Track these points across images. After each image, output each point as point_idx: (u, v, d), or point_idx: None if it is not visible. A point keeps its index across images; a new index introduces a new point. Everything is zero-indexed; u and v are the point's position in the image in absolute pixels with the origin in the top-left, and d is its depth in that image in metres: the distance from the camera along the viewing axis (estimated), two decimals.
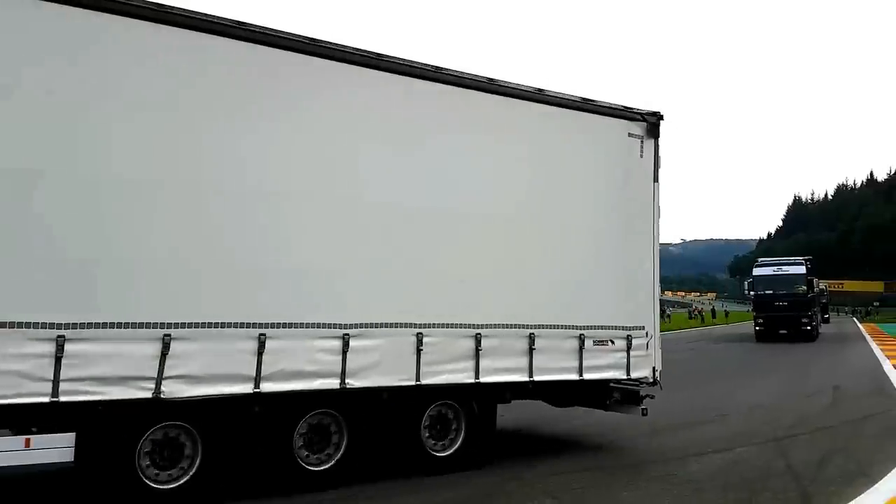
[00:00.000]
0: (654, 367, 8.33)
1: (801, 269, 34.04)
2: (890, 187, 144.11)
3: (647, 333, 8.33)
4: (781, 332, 32.30)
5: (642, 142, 8.49)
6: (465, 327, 7.09)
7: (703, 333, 44.04)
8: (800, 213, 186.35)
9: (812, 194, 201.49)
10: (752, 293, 34.84)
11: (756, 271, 35.80)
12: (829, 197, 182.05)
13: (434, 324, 6.90)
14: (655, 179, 8.60)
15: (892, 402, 12.21)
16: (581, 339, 7.82)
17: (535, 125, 7.88)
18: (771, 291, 33.20)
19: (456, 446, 7.30)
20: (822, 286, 43.64)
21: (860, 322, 61.98)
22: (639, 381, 8.30)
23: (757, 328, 33.79)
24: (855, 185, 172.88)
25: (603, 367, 7.99)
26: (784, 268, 34.82)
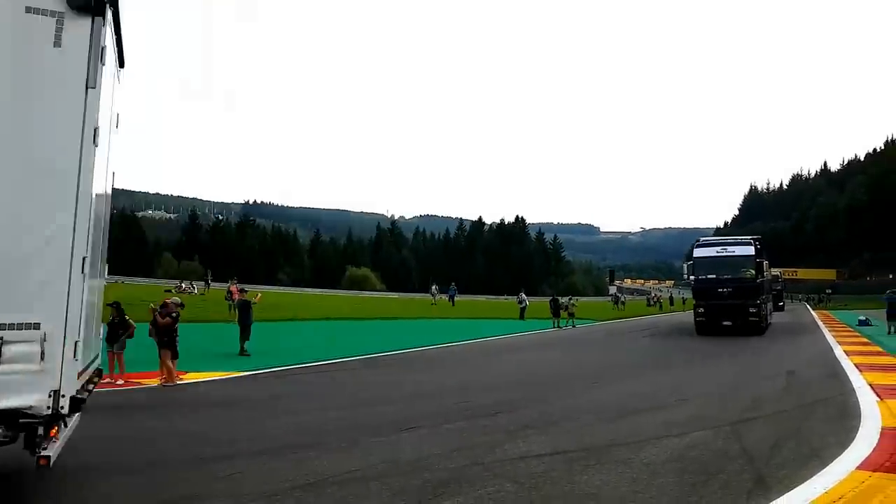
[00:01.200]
0: (55, 391, 5.08)
1: (749, 250, 28.54)
2: (843, 177, 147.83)
3: (44, 335, 5.04)
4: (725, 323, 27.78)
5: (60, 22, 5.24)
6: None
7: (662, 320, 44.81)
8: (756, 202, 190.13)
9: (768, 184, 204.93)
10: (691, 277, 28.98)
11: (697, 252, 29.18)
12: (785, 187, 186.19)
13: None
14: (92, 85, 5.34)
15: (843, 387, 12.49)
16: None
17: None
18: (714, 276, 27.95)
19: None
20: (776, 272, 43.11)
21: (813, 309, 63.79)
22: (24, 412, 5.01)
23: (697, 319, 28.73)
24: (809, 175, 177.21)
25: None
26: (729, 248, 29.00)
